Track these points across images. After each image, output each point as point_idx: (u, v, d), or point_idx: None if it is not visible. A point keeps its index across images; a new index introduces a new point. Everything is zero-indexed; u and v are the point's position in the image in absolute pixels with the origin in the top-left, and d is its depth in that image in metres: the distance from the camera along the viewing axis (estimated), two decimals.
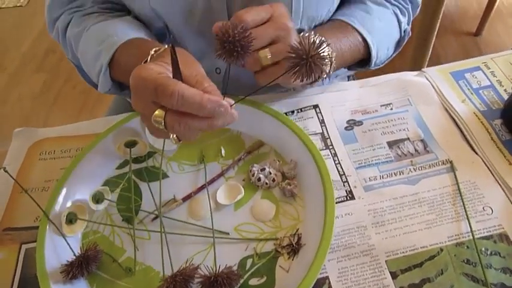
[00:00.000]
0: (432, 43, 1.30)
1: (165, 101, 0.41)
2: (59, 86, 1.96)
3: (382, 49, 0.66)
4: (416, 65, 1.35)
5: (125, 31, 0.57)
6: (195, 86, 0.43)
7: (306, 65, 0.41)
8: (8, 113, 1.87)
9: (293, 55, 0.42)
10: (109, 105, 0.89)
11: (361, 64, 0.68)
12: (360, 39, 0.62)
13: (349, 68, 0.68)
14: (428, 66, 1.35)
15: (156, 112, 0.42)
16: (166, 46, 0.50)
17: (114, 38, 0.56)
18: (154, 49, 0.49)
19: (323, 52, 0.41)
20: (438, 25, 1.22)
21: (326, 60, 0.43)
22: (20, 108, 1.88)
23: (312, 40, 0.41)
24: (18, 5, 2.49)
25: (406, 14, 0.70)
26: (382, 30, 0.66)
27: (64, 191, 0.52)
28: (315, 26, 0.65)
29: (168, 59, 0.45)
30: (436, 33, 1.28)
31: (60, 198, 0.52)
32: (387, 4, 0.68)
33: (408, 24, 0.71)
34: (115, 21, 0.60)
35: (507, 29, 2.04)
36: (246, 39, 0.44)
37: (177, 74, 0.43)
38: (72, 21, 0.63)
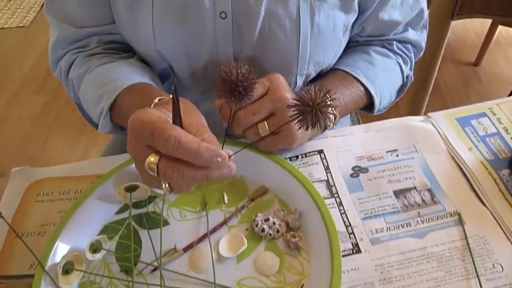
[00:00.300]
0: (433, 78, 1.31)
1: (160, 145, 0.39)
2: (59, 107, 1.95)
3: (385, 97, 0.67)
4: (417, 98, 1.35)
5: (128, 75, 0.56)
6: (195, 135, 0.41)
7: (311, 113, 0.40)
8: (8, 133, 1.86)
9: (298, 103, 0.40)
10: (108, 137, 0.88)
11: (363, 108, 0.69)
12: (363, 90, 0.64)
13: None
14: (429, 96, 1.35)
15: (150, 157, 0.41)
16: (170, 96, 0.49)
17: (118, 82, 0.55)
18: (158, 98, 0.48)
19: (329, 100, 0.40)
20: (439, 63, 1.23)
21: (332, 109, 0.43)
22: (20, 128, 1.88)
23: (317, 88, 0.40)
24: (21, 25, 2.51)
25: (409, 62, 0.71)
26: (385, 80, 0.67)
27: (61, 238, 0.51)
28: (321, 71, 0.65)
29: (171, 106, 0.44)
30: (436, 70, 1.29)
31: (57, 247, 0.50)
32: (390, 54, 0.69)
33: (411, 70, 0.72)
34: (119, 64, 0.60)
35: (506, 60, 2.06)
36: (249, 81, 0.43)
37: (177, 119, 0.42)
38: (76, 61, 0.63)
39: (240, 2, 0.56)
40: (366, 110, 0.70)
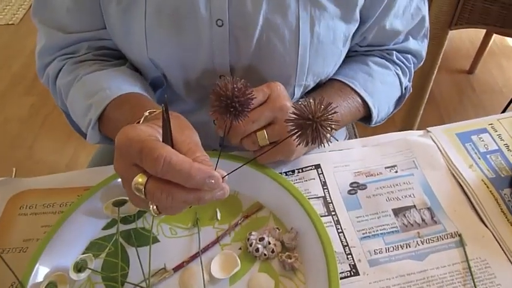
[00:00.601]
0: (430, 88, 1.30)
1: (149, 166, 0.37)
2: (47, 110, 1.91)
3: (383, 109, 0.66)
4: (413, 107, 1.34)
5: (118, 85, 0.54)
6: (186, 154, 0.39)
7: (312, 127, 0.37)
8: None
9: (297, 116, 0.38)
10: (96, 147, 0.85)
11: (361, 120, 0.68)
12: (360, 102, 0.62)
13: None
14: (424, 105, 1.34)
15: (138, 177, 0.38)
16: (161, 109, 0.46)
17: (107, 91, 0.52)
18: (148, 111, 0.46)
19: (330, 114, 0.37)
20: (435, 73, 1.23)
21: (333, 123, 0.39)
22: (6, 131, 1.83)
23: (318, 101, 0.38)
24: (10, 23, 2.46)
25: (408, 73, 0.70)
26: (383, 92, 0.65)
27: (44, 256, 0.48)
28: (320, 81, 0.63)
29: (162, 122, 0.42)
30: (433, 79, 1.28)
31: (40, 265, 0.47)
32: (389, 65, 0.68)
33: (409, 82, 0.71)
34: (108, 72, 0.57)
35: (500, 69, 2.06)
36: (245, 96, 0.40)
37: (167, 137, 0.39)
38: (64, 68, 0.60)
39: (238, 9, 0.54)
40: (363, 121, 0.69)
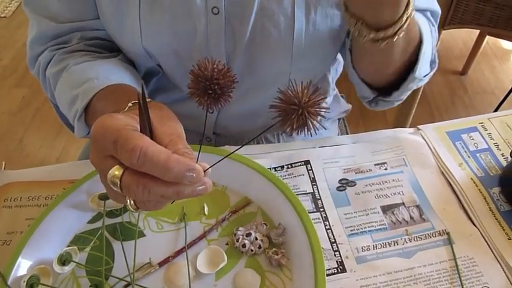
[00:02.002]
0: (422, 87, 1.30)
1: (124, 157, 0.34)
2: (39, 103, 1.89)
3: (426, 57, 0.57)
4: (405, 106, 1.35)
5: (106, 75, 0.53)
6: (167, 147, 0.36)
7: (297, 113, 0.33)
8: None
9: (281, 102, 0.34)
10: (85, 141, 0.84)
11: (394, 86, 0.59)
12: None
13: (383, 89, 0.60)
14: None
15: (114, 169, 0.35)
16: (149, 100, 0.45)
17: (94, 81, 0.51)
18: (133, 101, 0.44)
19: (319, 100, 0.34)
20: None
21: (322, 110, 0.35)
22: None
23: (305, 84, 0.34)
24: (2, 15, 2.43)
25: (435, 30, 0.62)
26: (427, 39, 0.56)
27: (27, 249, 0.47)
28: (315, 76, 0.61)
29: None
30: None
31: (22, 258, 0.47)
32: (422, 16, 0.60)
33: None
34: (98, 62, 0.56)
35: (492, 70, 2.07)
36: (226, 78, 0.36)
37: (145, 127, 0.36)
38: (54, 58, 0.58)
39: None
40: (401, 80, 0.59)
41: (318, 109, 0.34)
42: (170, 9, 0.54)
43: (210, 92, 0.36)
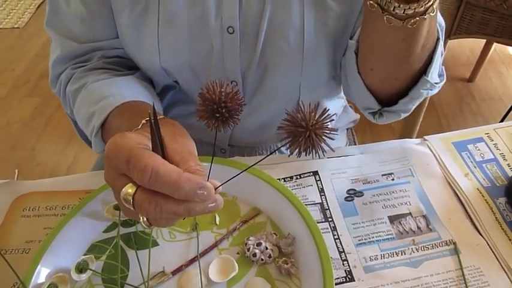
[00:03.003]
0: (429, 96, 1.31)
1: (136, 176, 0.35)
2: (50, 112, 1.92)
3: (439, 62, 0.56)
4: (412, 115, 1.35)
5: (122, 92, 0.55)
6: (179, 164, 0.37)
7: (304, 135, 0.34)
8: None
9: (289, 123, 0.34)
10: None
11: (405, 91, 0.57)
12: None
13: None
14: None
15: (127, 187, 0.36)
16: (161, 116, 0.47)
17: (110, 99, 0.53)
18: (146, 118, 0.46)
19: (326, 122, 0.34)
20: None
21: (329, 132, 0.35)
22: (8, 133, 1.84)
23: (312, 106, 0.34)
24: (15, 26, 2.48)
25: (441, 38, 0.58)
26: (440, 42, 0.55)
27: (46, 257, 0.49)
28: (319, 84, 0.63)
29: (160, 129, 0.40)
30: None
31: (41, 266, 0.48)
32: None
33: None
34: (115, 80, 0.58)
35: (499, 76, 2.07)
36: (234, 101, 0.36)
37: (157, 146, 0.37)
38: (74, 75, 0.60)
39: (246, 14, 0.55)
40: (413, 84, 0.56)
41: (325, 131, 0.34)
42: (187, 29, 0.56)
43: (217, 115, 0.36)
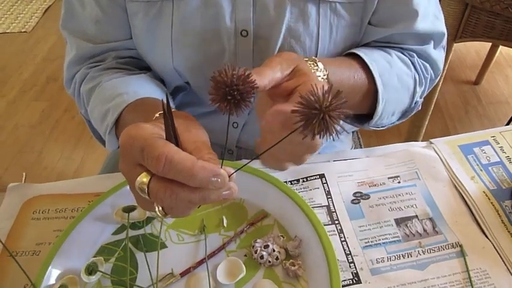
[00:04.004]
0: (435, 99, 1.32)
1: (150, 165, 0.35)
2: (57, 115, 1.94)
3: (387, 110, 0.60)
4: (418, 118, 1.35)
5: (135, 89, 0.56)
6: (192, 153, 0.37)
7: (318, 117, 0.33)
8: (4, 140, 1.84)
9: (303, 106, 0.34)
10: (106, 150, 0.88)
11: (359, 120, 0.63)
12: (370, 89, 0.57)
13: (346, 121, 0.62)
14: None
15: (142, 176, 0.36)
16: (174, 110, 0.48)
17: (124, 96, 0.54)
18: (160, 112, 0.46)
19: (340, 104, 0.34)
20: (440, 84, 1.24)
21: (343, 113, 0.34)
22: (16, 136, 1.86)
23: (326, 89, 0.34)
24: (23, 30, 2.51)
25: (423, 84, 0.64)
26: (395, 92, 0.60)
27: (56, 259, 0.50)
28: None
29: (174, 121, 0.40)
30: (438, 91, 1.29)
31: (52, 268, 0.49)
32: (411, 66, 0.62)
33: (421, 98, 0.66)
34: (128, 78, 0.59)
35: (506, 79, 2.07)
36: (246, 84, 0.36)
37: (171, 135, 0.37)
38: (88, 76, 0.62)
39: (262, 20, 0.56)
40: (359, 122, 0.63)
41: (339, 113, 0.33)
42: (201, 32, 0.57)
43: (229, 97, 0.36)
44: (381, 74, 0.57)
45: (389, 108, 0.61)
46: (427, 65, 0.65)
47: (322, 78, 0.49)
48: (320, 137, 0.34)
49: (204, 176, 0.34)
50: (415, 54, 0.63)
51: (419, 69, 0.63)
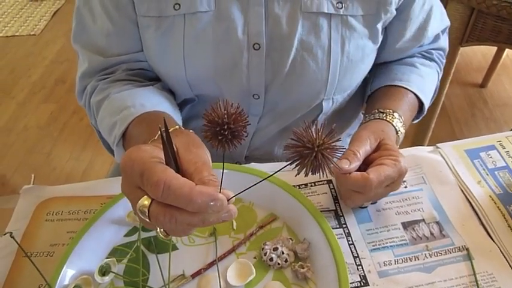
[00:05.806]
0: (441, 103, 1.32)
1: (149, 190, 0.36)
2: (66, 117, 1.97)
3: (428, 103, 0.71)
4: (424, 121, 1.35)
5: (142, 103, 0.56)
6: (193, 174, 0.38)
7: (310, 157, 0.33)
8: (13, 142, 1.87)
9: (297, 143, 0.34)
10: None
11: None
12: (416, 101, 0.67)
13: None
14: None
15: (143, 199, 0.37)
16: (177, 127, 0.49)
17: (131, 109, 0.55)
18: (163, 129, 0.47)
19: (333, 142, 0.34)
20: (447, 87, 1.24)
21: (337, 152, 0.35)
22: (25, 138, 1.88)
23: (320, 126, 0.34)
24: (31, 33, 2.54)
25: (442, 69, 0.74)
26: (430, 90, 0.71)
27: (71, 261, 0.51)
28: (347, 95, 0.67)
29: (175, 140, 0.41)
30: (444, 94, 1.30)
31: (67, 269, 0.50)
32: (431, 64, 0.72)
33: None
34: (135, 91, 0.60)
35: None
36: (237, 123, 0.36)
37: (170, 158, 0.38)
38: (98, 87, 0.63)
39: (274, 33, 0.57)
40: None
41: (332, 152, 0.34)
42: (213, 45, 0.58)
43: (220, 137, 0.36)
44: (420, 89, 0.67)
45: (429, 101, 0.72)
46: (442, 53, 0.75)
47: (402, 126, 0.61)
48: (313, 174, 0.35)
49: (203, 201, 0.35)
50: (433, 51, 0.72)
51: (438, 61, 0.73)
